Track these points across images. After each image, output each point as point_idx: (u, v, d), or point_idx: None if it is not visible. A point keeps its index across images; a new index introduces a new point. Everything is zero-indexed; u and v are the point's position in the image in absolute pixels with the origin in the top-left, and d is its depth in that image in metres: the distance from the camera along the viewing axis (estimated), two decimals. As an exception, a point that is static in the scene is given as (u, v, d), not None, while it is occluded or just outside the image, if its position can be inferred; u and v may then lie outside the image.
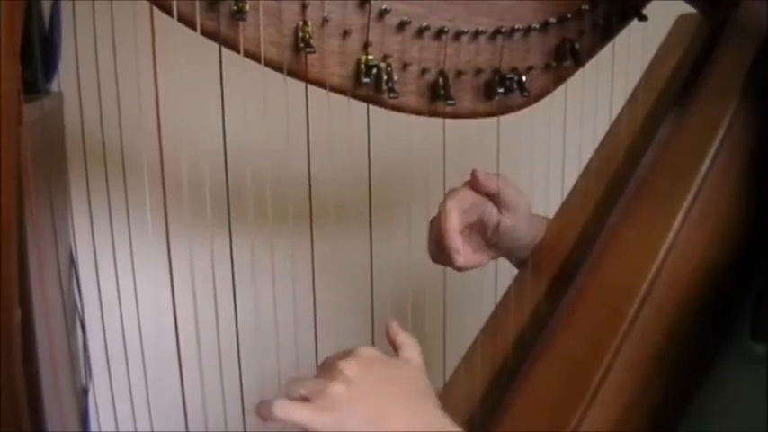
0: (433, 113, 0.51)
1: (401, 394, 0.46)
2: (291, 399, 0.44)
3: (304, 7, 0.45)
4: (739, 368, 0.42)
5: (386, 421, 0.44)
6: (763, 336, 0.42)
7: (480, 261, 0.63)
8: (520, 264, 0.67)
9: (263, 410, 0.44)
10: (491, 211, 0.61)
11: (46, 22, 0.80)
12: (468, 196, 0.60)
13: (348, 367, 0.45)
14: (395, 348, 0.50)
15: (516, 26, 0.51)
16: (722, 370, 0.44)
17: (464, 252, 0.60)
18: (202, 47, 0.43)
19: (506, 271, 0.67)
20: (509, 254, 0.66)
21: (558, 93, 0.55)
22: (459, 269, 0.61)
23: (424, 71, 0.50)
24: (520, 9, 0.51)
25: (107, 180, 0.54)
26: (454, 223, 0.59)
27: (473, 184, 0.60)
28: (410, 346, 0.50)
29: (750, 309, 0.44)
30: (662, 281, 0.50)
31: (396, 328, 0.51)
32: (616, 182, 0.60)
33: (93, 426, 0.85)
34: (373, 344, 0.60)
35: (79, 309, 0.84)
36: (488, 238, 0.62)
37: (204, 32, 0.43)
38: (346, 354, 0.47)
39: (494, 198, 0.60)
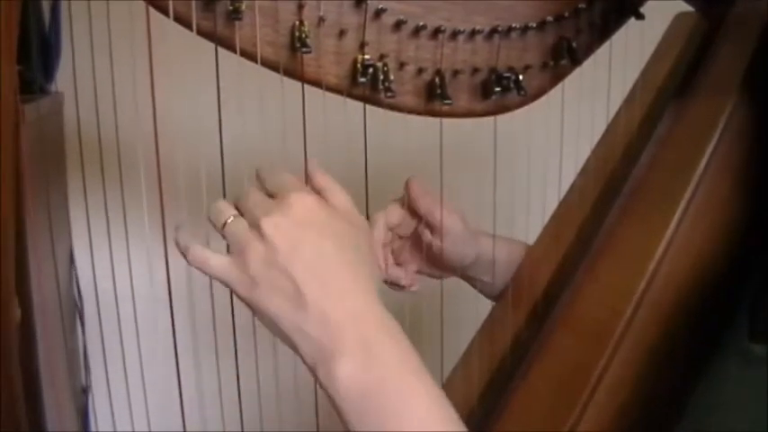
0: (429, 113, 0.51)
1: (323, 267, 0.40)
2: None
3: (300, 7, 0.45)
4: (738, 368, 0.42)
5: (300, 299, 0.39)
6: (760, 337, 0.42)
7: (400, 275, 0.61)
8: (484, 290, 0.66)
9: (181, 239, 0.42)
10: (424, 230, 0.61)
11: (45, 22, 0.80)
12: (397, 211, 0.60)
13: (268, 225, 0.40)
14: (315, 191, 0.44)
15: (513, 25, 0.51)
16: (720, 370, 0.44)
17: (386, 269, 0.59)
18: (199, 47, 0.44)
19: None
20: (464, 276, 0.66)
21: (556, 92, 0.55)
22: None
23: (420, 70, 0.50)
24: (517, 8, 0.51)
25: (104, 180, 0.55)
26: (377, 236, 0.58)
27: (408, 194, 0.59)
28: (335, 192, 0.44)
29: (748, 309, 0.44)
30: (659, 279, 0.50)
31: (313, 166, 0.44)
32: (614, 180, 0.60)
33: (92, 426, 0.86)
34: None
35: (79, 308, 0.84)
36: (426, 256, 0.62)
37: (200, 32, 0.43)
38: (281, 195, 0.41)
39: (422, 219, 0.60)
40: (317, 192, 0.44)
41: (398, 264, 0.63)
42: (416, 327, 0.67)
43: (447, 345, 0.65)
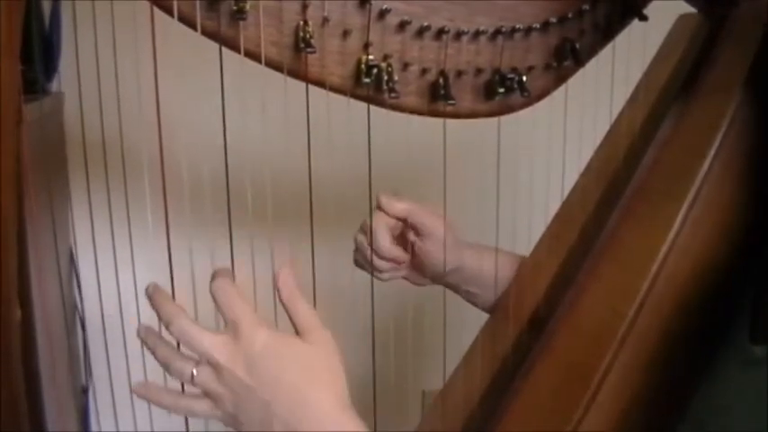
0: (433, 113, 0.51)
1: (284, 385, 0.42)
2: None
3: (304, 7, 0.45)
4: (738, 370, 0.42)
5: (266, 420, 0.41)
6: (761, 338, 0.42)
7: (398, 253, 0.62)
8: (472, 301, 0.66)
9: (142, 392, 0.44)
10: (408, 232, 0.62)
11: (46, 21, 0.80)
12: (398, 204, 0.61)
13: (226, 366, 0.42)
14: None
15: (517, 26, 0.51)
16: (721, 371, 0.44)
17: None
18: (203, 47, 0.43)
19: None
20: (447, 285, 0.66)
21: (559, 93, 0.55)
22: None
23: (424, 71, 0.50)
24: (520, 9, 0.51)
25: (107, 179, 0.55)
26: (386, 241, 0.60)
27: (382, 207, 0.61)
28: (301, 314, 0.44)
29: (749, 310, 0.44)
30: (662, 281, 0.49)
31: (285, 287, 0.45)
32: (616, 181, 0.60)
33: (93, 426, 0.86)
34: (373, 343, 0.60)
35: (79, 308, 0.84)
36: (411, 257, 0.62)
37: (204, 32, 0.43)
38: (232, 325, 0.43)
39: (405, 222, 0.61)
40: (284, 304, 0.45)
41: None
42: (419, 327, 0.68)
43: (449, 345, 0.65)
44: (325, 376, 0.43)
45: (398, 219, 0.61)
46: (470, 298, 0.66)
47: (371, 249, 0.61)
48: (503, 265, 0.65)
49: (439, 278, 0.65)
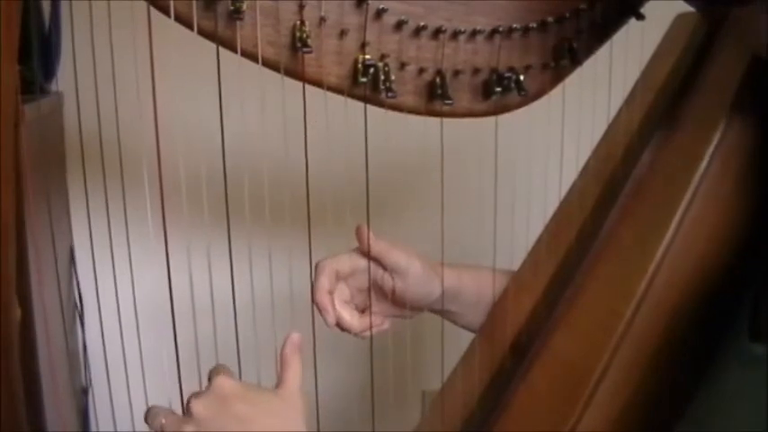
0: (430, 113, 0.51)
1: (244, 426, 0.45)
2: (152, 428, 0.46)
3: (301, 7, 0.45)
4: (738, 369, 0.42)
5: None
6: (761, 336, 0.42)
7: (365, 325, 0.60)
8: (455, 321, 0.65)
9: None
10: (384, 275, 0.60)
11: (45, 22, 0.80)
12: (347, 260, 0.59)
13: (196, 406, 0.45)
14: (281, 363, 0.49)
15: (514, 25, 0.51)
16: (721, 370, 0.44)
17: (334, 312, 0.58)
18: (200, 46, 0.44)
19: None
20: (432, 310, 0.64)
21: (556, 92, 0.55)
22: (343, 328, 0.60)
23: (421, 71, 0.50)
24: (518, 8, 0.51)
25: (105, 179, 0.55)
26: (322, 282, 0.58)
27: (359, 240, 0.59)
28: (291, 371, 0.49)
29: (748, 309, 0.44)
30: (660, 281, 0.50)
31: (291, 345, 0.49)
32: (614, 181, 0.60)
33: (92, 425, 0.86)
34: (372, 344, 0.60)
35: (79, 308, 0.84)
36: (391, 300, 0.61)
37: (201, 32, 0.43)
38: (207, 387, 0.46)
39: (379, 262, 0.59)
40: (284, 354, 0.50)
41: (362, 311, 0.61)
42: (418, 327, 0.68)
43: (448, 345, 0.65)
44: (288, 422, 0.47)
45: (374, 258, 0.59)
46: (453, 318, 0.65)
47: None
48: (484, 280, 0.64)
49: (425, 308, 0.64)
